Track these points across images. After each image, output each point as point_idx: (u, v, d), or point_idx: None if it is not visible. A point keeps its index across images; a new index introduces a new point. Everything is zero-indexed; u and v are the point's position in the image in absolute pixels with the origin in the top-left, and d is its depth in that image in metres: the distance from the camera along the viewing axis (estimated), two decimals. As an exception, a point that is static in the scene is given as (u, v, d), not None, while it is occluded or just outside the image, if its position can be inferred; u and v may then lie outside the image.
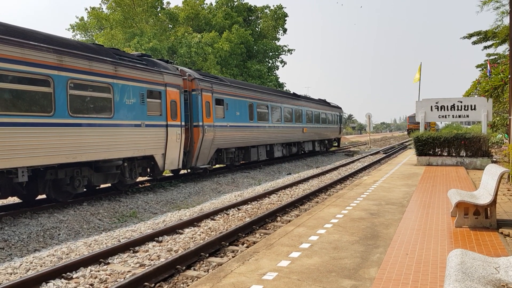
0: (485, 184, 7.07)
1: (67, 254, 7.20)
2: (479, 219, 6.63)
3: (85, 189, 11.37)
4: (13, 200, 11.72)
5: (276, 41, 47.01)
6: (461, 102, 17.97)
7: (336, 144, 36.70)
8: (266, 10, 46.96)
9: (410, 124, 60.74)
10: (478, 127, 24.84)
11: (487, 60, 26.20)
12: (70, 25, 42.79)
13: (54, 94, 9.57)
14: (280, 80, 46.12)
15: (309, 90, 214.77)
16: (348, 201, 9.17)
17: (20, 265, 6.58)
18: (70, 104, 9.95)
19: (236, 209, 10.80)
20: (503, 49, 26.90)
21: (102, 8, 40.88)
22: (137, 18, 38.03)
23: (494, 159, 16.67)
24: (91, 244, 7.80)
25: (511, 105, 11.24)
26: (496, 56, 29.25)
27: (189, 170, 16.30)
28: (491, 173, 6.73)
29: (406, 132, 74.19)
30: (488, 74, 16.82)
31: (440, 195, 9.66)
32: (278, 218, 9.74)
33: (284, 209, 10.47)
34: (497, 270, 3.20)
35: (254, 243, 7.63)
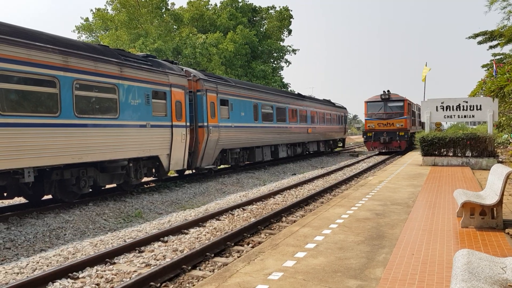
0: (491, 184, 7.04)
1: (73, 254, 7.24)
2: (485, 219, 6.60)
3: (90, 190, 11.41)
4: (19, 200, 11.79)
5: (281, 42, 46.98)
6: (466, 102, 17.86)
7: (341, 145, 36.67)
8: (271, 11, 46.95)
9: (370, 119, 29.55)
10: (483, 127, 24.69)
11: (493, 60, 26.05)
12: (75, 26, 43.04)
13: (60, 95, 9.62)
14: (285, 81, 46.12)
15: (313, 91, 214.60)
16: (354, 202, 9.15)
17: (27, 265, 6.62)
18: (75, 104, 10.00)
19: (241, 209, 10.81)
20: (509, 48, 26.76)
21: (107, 9, 41.09)
22: (142, 19, 38.16)
23: (500, 159, 16.60)
24: (97, 244, 7.84)
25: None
26: (502, 56, 29.08)
27: (194, 171, 16.33)
28: (497, 173, 6.69)
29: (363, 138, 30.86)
30: (494, 74, 16.71)
31: (446, 196, 9.61)
32: (283, 219, 9.74)
33: (289, 209, 10.47)
34: (504, 270, 3.19)
35: (259, 243, 7.63)
